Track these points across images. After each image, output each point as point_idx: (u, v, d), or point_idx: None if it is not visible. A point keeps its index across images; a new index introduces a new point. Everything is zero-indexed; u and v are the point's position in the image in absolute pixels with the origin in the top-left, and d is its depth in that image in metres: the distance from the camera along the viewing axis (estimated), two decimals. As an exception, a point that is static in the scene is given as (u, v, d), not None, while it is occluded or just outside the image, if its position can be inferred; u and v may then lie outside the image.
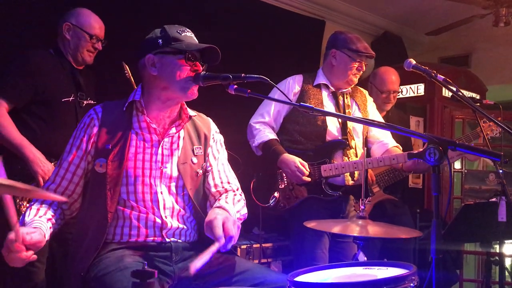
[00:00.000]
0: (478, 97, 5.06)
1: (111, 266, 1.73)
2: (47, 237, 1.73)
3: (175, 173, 1.94)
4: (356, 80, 2.92)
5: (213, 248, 1.64)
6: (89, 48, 2.78)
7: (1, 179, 1.26)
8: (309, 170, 2.79)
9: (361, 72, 2.91)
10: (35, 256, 1.62)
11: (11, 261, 1.59)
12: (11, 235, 1.55)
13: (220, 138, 2.14)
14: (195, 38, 1.98)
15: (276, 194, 2.90)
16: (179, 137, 1.99)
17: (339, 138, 2.85)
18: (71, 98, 2.71)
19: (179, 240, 1.90)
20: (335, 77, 2.92)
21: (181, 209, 1.94)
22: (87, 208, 1.90)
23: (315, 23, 5.08)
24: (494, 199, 2.78)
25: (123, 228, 1.86)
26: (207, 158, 2.05)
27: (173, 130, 1.98)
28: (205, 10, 3.98)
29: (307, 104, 1.81)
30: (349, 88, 2.97)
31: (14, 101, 2.57)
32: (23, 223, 1.74)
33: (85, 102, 2.79)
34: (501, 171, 2.62)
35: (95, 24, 2.79)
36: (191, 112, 2.04)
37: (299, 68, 4.24)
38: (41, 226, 1.72)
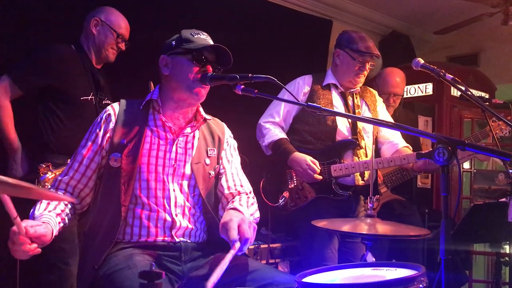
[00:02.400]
0: (487, 96, 5.03)
1: (120, 264, 1.73)
2: (55, 232, 1.74)
3: (188, 171, 1.95)
4: (360, 80, 2.90)
5: (229, 256, 1.62)
6: (114, 47, 2.80)
7: (5, 178, 1.26)
8: (320, 168, 2.79)
9: (365, 72, 2.88)
10: (39, 250, 1.62)
11: (15, 253, 1.60)
12: (14, 227, 1.57)
13: (233, 143, 2.16)
14: (209, 40, 1.99)
15: (285, 193, 2.89)
16: (194, 137, 2.01)
17: (349, 138, 2.84)
18: (90, 97, 2.71)
19: (188, 240, 1.91)
20: (340, 77, 2.92)
21: (192, 208, 1.95)
22: (100, 202, 1.92)
23: (322, 22, 5.07)
24: (503, 199, 2.76)
25: (133, 228, 1.86)
26: (220, 161, 2.06)
27: (188, 129, 2.00)
28: (212, 11, 3.99)
29: (315, 104, 1.80)
30: (358, 88, 2.95)
31: (26, 89, 2.57)
32: (32, 217, 1.75)
33: (104, 101, 2.80)
34: (511, 171, 2.60)
35: (123, 24, 2.83)
36: (206, 116, 2.06)
37: (307, 68, 4.24)
38: (49, 221, 1.73)
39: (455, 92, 4.85)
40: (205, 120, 2.05)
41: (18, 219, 1.54)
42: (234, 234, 1.69)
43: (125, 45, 2.86)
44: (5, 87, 2.54)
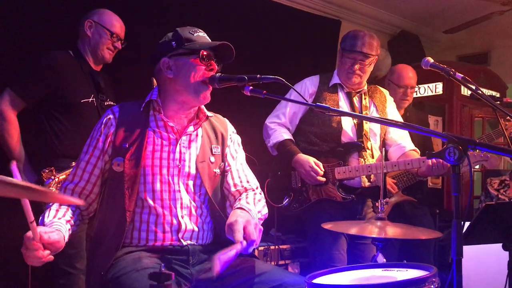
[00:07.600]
0: (498, 95, 4.98)
1: (128, 267, 1.73)
2: (66, 238, 1.75)
3: (193, 171, 1.94)
4: (355, 79, 2.82)
5: (233, 251, 1.62)
6: (109, 46, 2.81)
7: (18, 181, 1.27)
8: (323, 170, 2.77)
9: (359, 72, 2.79)
10: (51, 257, 1.64)
11: (28, 259, 1.60)
12: (28, 233, 1.58)
13: (237, 138, 2.14)
14: (207, 38, 1.98)
15: (290, 194, 2.88)
16: (197, 135, 1.99)
17: (355, 139, 2.81)
18: (91, 99, 2.72)
19: (195, 243, 1.90)
20: (340, 76, 2.90)
21: (198, 208, 1.94)
22: (105, 207, 1.92)
23: (331, 23, 5.07)
24: (516, 199, 2.73)
25: (140, 232, 1.86)
26: (225, 158, 2.05)
27: (191, 128, 1.98)
28: (221, 12, 3.99)
29: (324, 105, 1.79)
30: (364, 88, 2.91)
31: (29, 100, 2.61)
32: (42, 224, 1.76)
33: (106, 103, 2.81)
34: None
35: (116, 23, 2.83)
36: (208, 113, 2.04)
37: (315, 68, 4.23)
38: (60, 228, 1.73)
39: (465, 91, 4.80)
40: (207, 117, 2.02)
41: (34, 223, 1.55)
42: (239, 236, 1.68)
43: (122, 44, 2.85)
44: (9, 101, 2.57)
